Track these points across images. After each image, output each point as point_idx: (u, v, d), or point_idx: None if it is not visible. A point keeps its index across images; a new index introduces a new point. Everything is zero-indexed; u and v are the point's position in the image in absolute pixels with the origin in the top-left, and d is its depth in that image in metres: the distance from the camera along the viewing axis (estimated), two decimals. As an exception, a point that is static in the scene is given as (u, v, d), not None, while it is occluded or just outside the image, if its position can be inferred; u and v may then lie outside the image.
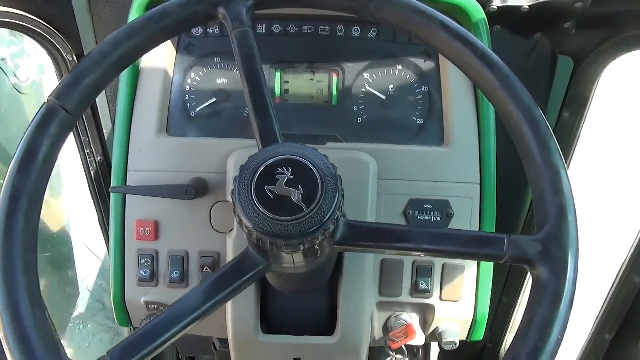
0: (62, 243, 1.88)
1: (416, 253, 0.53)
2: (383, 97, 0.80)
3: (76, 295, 2.07)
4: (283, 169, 0.49)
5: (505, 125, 0.53)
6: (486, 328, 0.80)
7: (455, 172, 0.76)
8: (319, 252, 0.52)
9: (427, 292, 0.77)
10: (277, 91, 0.81)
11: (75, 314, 2.17)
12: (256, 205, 0.48)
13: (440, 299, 0.78)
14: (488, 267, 0.77)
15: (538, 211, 0.49)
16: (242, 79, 0.57)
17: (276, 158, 0.49)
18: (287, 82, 0.81)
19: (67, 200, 1.97)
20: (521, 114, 0.51)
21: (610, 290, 1.08)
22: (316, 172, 0.49)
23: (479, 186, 0.76)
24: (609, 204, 2.44)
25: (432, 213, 0.76)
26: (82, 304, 2.19)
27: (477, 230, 0.77)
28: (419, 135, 0.80)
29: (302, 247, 0.48)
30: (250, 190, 0.48)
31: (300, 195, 0.48)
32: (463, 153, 0.76)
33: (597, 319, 1.11)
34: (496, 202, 0.76)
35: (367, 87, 0.81)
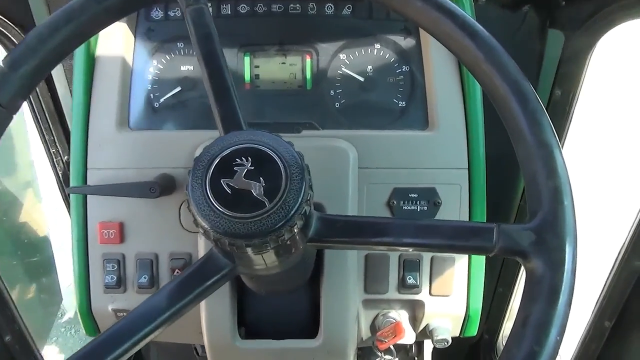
0: (43, 249, 1.83)
1: (397, 248, 0.49)
2: (361, 79, 0.75)
3: (58, 301, 2.01)
4: (242, 160, 0.44)
5: (492, 101, 0.48)
6: (482, 318, 0.76)
7: (441, 157, 0.72)
8: (292, 249, 0.47)
9: (415, 288, 0.73)
10: (247, 77, 0.75)
11: (65, 319, 2.13)
12: (211, 202, 0.42)
13: (430, 294, 0.73)
14: (480, 258, 0.73)
15: (530, 196, 0.45)
16: (199, 61, 0.52)
17: (234, 147, 0.44)
18: (257, 66, 0.75)
19: (48, 205, 1.91)
20: (508, 88, 0.46)
21: (609, 275, 1.03)
22: (279, 162, 0.43)
23: (467, 171, 0.72)
24: (604, 187, 2.40)
25: (417, 202, 0.71)
26: (70, 309, 2.14)
27: (467, 219, 0.72)
28: (401, 118, 0.75)
29: (267, 246, 0.43)
30: (205, 184, 0.43)
31: (262, 189, 0.43)
32: (449, 136, 0.72)
33: (595, 305, 1.07)
34: (487, 189, 0.72)
35: (343, 69, 0.75)
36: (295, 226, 0.43)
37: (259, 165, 0.43)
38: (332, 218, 0.48)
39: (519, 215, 1.05)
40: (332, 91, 0.75)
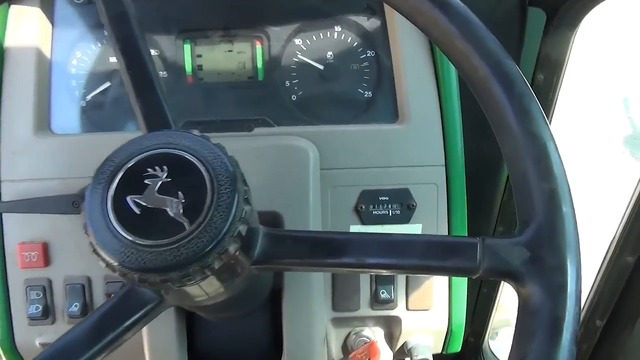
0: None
1: (361, 270, 0.41)
2: (320, 67, 0.66)
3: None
4: (155, 170, 0.34)
5: (470, 86, 0.40)
6: (467, 321, 0.68)
7: (414, 154, 0.63)
8: (234, 274, 0.38)
9: (390, 302, 0.64)
10: (188, 68, 0.65)
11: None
12: (113, 226, 0.33)
13: (407, 308, 0.65)
14: None
15: (520, 202, 0.36)
16: (113, 48, 0.43)
17: (144, 154, 0.35)
18: (200, 55, 0.65)
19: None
20: (488, 70, 0.37)
21: (598, 273, 0.97)
22: (203, 170, 0.34)
23: (444, 169, 0.63)
24: (590, 178, 2.37)
25: (389, 206, 0.63)
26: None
27: (446, 222, 0.64)
28: (367, 111, 0.66)
29: (192, 279, 0.34)
30: (106, 203, 0.34)
31: (181, 206, 0.33)
32: (422, 129, 0.63)
33: (585, 304, 1.01)
34: (467, 189, 0.64)
35: (299, 56, 0.66)
36: (227, 252, 0.34)
37: (178, 175, 0.34)
38: (281, 234, 0.40)
39: (503, 219, 0.98)
40: (287, 82, 0.66)
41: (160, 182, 0.34)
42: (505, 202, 0.96)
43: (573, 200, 0.36)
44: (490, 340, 1.25)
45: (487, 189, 0.96)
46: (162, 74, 0.65)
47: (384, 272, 0.52)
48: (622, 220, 0.91)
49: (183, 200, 0.33)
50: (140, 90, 0.43)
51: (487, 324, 1.21)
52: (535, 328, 0.32)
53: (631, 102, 3.09)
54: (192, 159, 0.34)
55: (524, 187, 0.36)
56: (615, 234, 0.93)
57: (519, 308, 0.34)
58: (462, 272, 0.37)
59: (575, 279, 0.33)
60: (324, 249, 0.38)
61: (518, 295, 0.35)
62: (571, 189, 0.36)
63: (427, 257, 0.37)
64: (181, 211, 0.33)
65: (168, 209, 0.33)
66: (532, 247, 0.34)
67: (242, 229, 0.34)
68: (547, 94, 0.84)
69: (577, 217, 0.36)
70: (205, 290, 0.38)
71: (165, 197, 0.33)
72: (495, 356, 1.25)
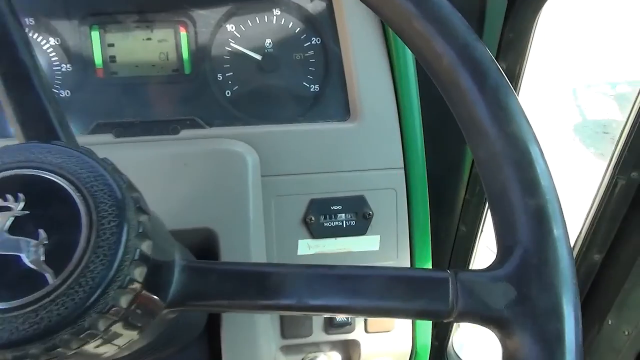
0: None
1: (303, 313, 0.33)
2: (258, 57, 0.57)
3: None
4: (6, 198, 0.24)
5: (432, 77, 0.32)
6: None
7: (369, 156, 0.56)
8: (140, 324, 0.29)
9: (346, 325, 0.57)
10: (98, 60, 0.55)
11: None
12: None
13: (366, 331, 0.58)
14: None
15: (499, 223, 0.30)
16: None
17: None
18: (112, 44, 0.55)
19: None
20: (455, 56, 0.30)
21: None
22: (77, 197, 0.25)
23: (403, 172, 0.56)
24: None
25: (343, 216, 0.56)
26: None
27: (407, 232, 0.57)
28: (314, 108, 0.58)
29: (63, 350, 0.24)
30: None
31: (42, 250, 0.24)
32: (377, 128, 0.56)
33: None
34: (430, 196, 0.57)
35: (233, 45, 0.57)
36: (114, 308, 0.25)
37: (39, 206, 0.25)
38: (204, 268, 0.32)
39: (465, 219, 0.91)
40: (219, 75, 0.57)
41: (12, 217, 0.24)
42: (467, 200, 0.91)
43: (565, 219, 0.29)
44: (455, 345, 1.20)
45: (448, 187, 0.90)
46: (66, 67, 0.54)
47: (333, 315, 0.44)
48: (586, 218, 0.88)
49: (46, 242, 0.24)
50: (13, 88, 0.32)
51: (451, 328, 1.16)
52: None
53: (579, 92, 3.17)
54: (60, 182, 0.25)
55: (503, 203, 0.29)
56: (580, 232, 0.89)
57: None
58: (431, 316, 0.30)
59: (574, 324, 0.26)
60: (258, 286, 0.31)
61: (502, 346, 0.28)
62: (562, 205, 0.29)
63: (387, 297, 0.30)
64: (42, 257, 0.24)
65: (23, 255, 0.24)
66: (517, 283, 0.28)
67: (139, 272, 0.26)
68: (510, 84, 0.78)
69: (570, 241, 0.29)
70: (100, 351, 0.29)
71: (20, 237, 0.24)
72: (460, 358, 1.21)
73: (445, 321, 0.29)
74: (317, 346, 0.59)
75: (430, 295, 0.29)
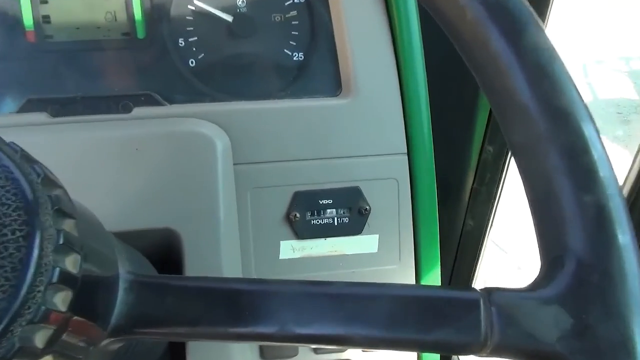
0: None
1: (286, 343, 0.26)
2: (228, 18, 0.47)
3: None
4: None
5: (451, 38, 0.26)
6: None
7: (365, 139, 0.47)
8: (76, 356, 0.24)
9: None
10: (28, 21, 0.45)
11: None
12: None
13: (363, 350, 0.49)
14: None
15: (545, 227, 0.25)
16: None
17: None
18: (45, 1, 0.45)
19: None
20: (482, 5, 0.24)
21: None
22: None
23: (406, 158, 0.48)
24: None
25: (334, 212, 0.47)
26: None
27: (411, 231, 0.49)
28: (298, 80, 0.49)
29: None
30: None
31: None
32: (375, 105, 0.47)
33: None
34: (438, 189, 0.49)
35: (197, 3, 0.47)
36: (25, 350, 0.20)
37: None
38: (158, 284, 0.26)
39: (473, 212, 0.83)
40: (181, 41, 0.47)
41: None
42: (476, 191, 0.83)
43: (631, 222, 0.23)
44: None
45: (453, 175, 0.82)
46: (-13, 30, 0.45)
47: (326, 347, 0.38)
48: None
49: None
50: None
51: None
52: None
53: (590, 68, 3.07)
54: None
55: (549, 202, 0.24)
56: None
57: None
58: (457, 350, 0.24)
59: None
60: (229, 309, 0.25)
61: None
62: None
63: (396, 325, 0.24)
64: None
65: None
66: (572, 307, 0.23)
67: (60, 298, 0.21)
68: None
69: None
70: None
71: None
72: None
73: (477, 356, 0.24)
74: (305, 365, 0.52)
75: (456, 323, 0.24)
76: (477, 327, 0.23)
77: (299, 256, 0.48)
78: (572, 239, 0.23)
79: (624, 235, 0.23)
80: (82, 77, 0.46)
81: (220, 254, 0.43)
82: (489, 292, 0.24)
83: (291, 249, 0.48)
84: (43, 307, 0.20)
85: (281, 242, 0.47)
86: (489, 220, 0.82)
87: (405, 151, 0.48)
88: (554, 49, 0.24)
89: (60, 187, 0.23)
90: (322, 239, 0.48)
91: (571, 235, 0.23)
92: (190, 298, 0.26)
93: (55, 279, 0.20)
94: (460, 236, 0.86)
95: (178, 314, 0.25)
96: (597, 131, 0.24)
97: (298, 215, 0.47)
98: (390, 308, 0.24)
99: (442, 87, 0.59)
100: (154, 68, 0.47)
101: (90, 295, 0.23)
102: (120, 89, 0.46)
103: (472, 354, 0.24)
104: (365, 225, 0.48)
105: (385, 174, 0.48)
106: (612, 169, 0.24)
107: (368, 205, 0.47)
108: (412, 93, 0.47)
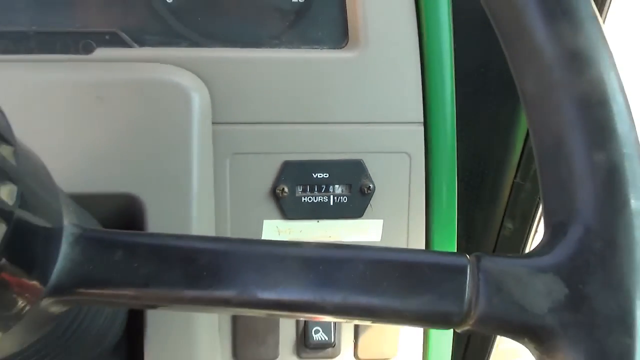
0: None
1: (246, 310, 0.28)
2: None
3: None
4: None
5: None
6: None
7: (372, 102, 0.47)
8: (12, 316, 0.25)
9: (327, 347, 0.49)
10: None
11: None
12: None
13: (356, 356, 0.50)
14: None
15: (550, 189, 0.26)
16: None
17: None
18: None
19: None
20: None
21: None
22: None
23: (422, 129, 0.48)
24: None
25: (329, 188, 0.48)
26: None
27: (423, 221, 0.49)
28: (296, 26, 0.48)
29: None
30: None
31: None
32: (387, 61, 0.46)
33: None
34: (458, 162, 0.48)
35: None
36: None
37: None
38: (106, 240, 0.27)
39: (513, 212, 0.83)
40: None
41: None
42: (518, 186, 0.82)
43: None
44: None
45: (489, 165, 0.82)
46: None
47: (292, 316, 0.38)
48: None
49: None
50: None
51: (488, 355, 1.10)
52: None
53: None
54: None
55: (557, 159, 0.25)
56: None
57: None
58: (435, 322, 0.26)
59: None
60: (182, 269, 0.26)
61: None
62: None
63: (371, 290, 0.26)
64: None
65: None
66: (569, 277, 0.24)
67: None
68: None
69: None
70: None
71: None
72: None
73: (458, 330, 0.26)
74: (286, 372, 0.52)
75: (438, 290, 0.25)
76: (461, 294, 0.25)
77: (284, 239, 0.48)
78: (579, 203, 0.24)
79: (637, 201, 0.24)
80: (36, 10, 0.45)
81: (191, 228, 0.42)
82: (479, 257, 0.25)
83: (276, 230, 0.47)
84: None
85: (264, 222, 0.47)
86: (532, 223, 0.82)
87: (422, 121, 0.47)
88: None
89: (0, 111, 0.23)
90: (314, 221, 0.47)
91: (578, 199, 0.24)
92: (143, 256, 0.27)
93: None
94: (496, 242, 0.86)
95: (128, 274, 0.26)
96: (620, 80, 0.25)
97: (286, 189, 0.46)
98: (365, 271, 0.25)
99: (478, 59, 0.59)
100: (122, 2, 0.47)
101: (27, 240, 0.24)
102: (82, 24, 0.46)
103: (454, 327, 0.25)
104: (368, 208, 0.47)
105: (395, 146, 0.47)
106: (634, 125, 0.24)
107: (372, 183, 0.46)
108: (434, 51, 0.46)
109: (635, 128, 0.26)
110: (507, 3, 0.27)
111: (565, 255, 0.25)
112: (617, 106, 0.25)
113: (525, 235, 0.84)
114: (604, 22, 0.71)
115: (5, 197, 0.21)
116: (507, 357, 1.16)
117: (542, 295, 0.25)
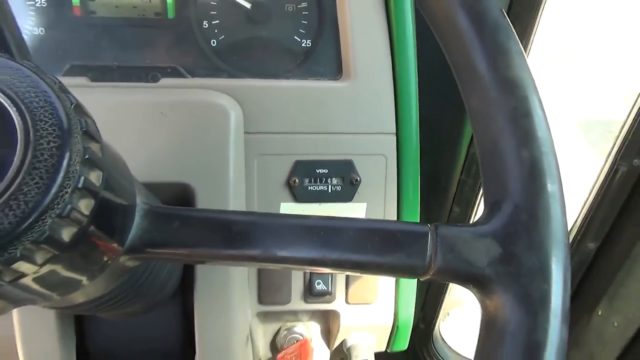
0: None
1: (267, 264, 0.31)
2: (247, 5, 0.54)
3: None
4: None
5: (430, 22, 0.31)
6: (417, 306, 0.59)
7: (360, 118, 0.53)
8: (93, 268, 0.28)
9: (326, 295, 0.55)
10: None
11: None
12: None
13: (347, 302, 0.56)
14: None
15: (488, 176, 0.29)
16: None
17: None
18: None
19: None
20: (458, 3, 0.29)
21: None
22: (14, 112, 0.23)
23: (394, 137, 0.54)
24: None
25: (328, 180, 0.54)
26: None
27: (395, 200, 0.55)
28: (304, 63, 0.55)
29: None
30: None
31: None
32: (370, 89, 0.53)
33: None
34: (421, 163, 0.54)
35: None
36: (50, 240, 0.22)
37: None
38: (167, 213, 0.30)
39: (460, 199, 0.89)
40: (205, 22, 0.53)
41: None
42: (463, 181, 0.88)
43: (561, 175, 0.27)
44: (441, 328, 1.18)
45: (443, 165, 0.87)
46: (40, 2, 0.51)
47: (302, 269, 0.42)
48: (582, 207, 0.85)
49: None
50: None
51: (439, 308, 1.15)
52: (504, 357, 0.23)
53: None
54: None
55: (494, 155, 0.28)
56: (576, 221, 0.87)
57: (482, 325, 0.26)
58: (405, 272, 0.28)
59: (562, 286, 0.25)
60: (223, 235, 0.29)
61: (482, 307, 0.26)
62: (559, 160, 0.27)
63: (360, 250, 0.28)
64: None
65: None
66: (503, 240, 0.26)
67: (84, 204, 0.24)
68: (524, 27, 0.72)
69: (565, 199, 0.27)
70: (45, 291, 0.26)
71: None
72: (447, 343, 1.19)
73: (422, 279, 0.28)
74: (295, 315, 0.58)
75: (407, 249, 0.27)
76: (424, 252, 0.27)
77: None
78: (510, 187, 0.27)
79: (552, 185, 0.27)
80: (118, 49, 0.52)
81: (228, 208, 0.48)
82: (437, 226, 0.28)
83: (289, 210, 0.54)
84: (69, 206, 0.22)
85: (281, 204, 0.54)
86: (473, 207, 0.87)
87: (394, 131, 0.54)
88: (511, 29, 0.29)
89: (89, 117, 0.25)
90: (317, 204, 0.54)
91: (509, 184, 0.27)
92: (193, 225, 0.29)
93: (80, 185, 0.23)
94: (447, 221, 0.91)
95: (182, 238, 0.29)
96: (540, 100, 0.28)
97: (297, 181, 0.53)
98: (355, 236, 0.28)
99: (437, 90, 0.64)
100: (180, 45, 0.53)
101: (109, 213, 0.26)
102: (150, 61, 0.52)
103: (418, 276, 0.28)
104: (355, 194, 0.54)
105: (375, 150, 0.54)
106: (550, 131, 0.28)
107: (359, 176, 0.53)
108: (403, 81, 0.53)
109: (551, 134, 0.28)
110: (459, 42, 0.29)
111: (500, 224, 0.27)
112: (537, 118, 0.27)
113: (468, 217, 0.89)
114: (527, 56, 0.77)
115: (94, 180, 0.24)
116: (455, 304, 1.23)
117: (482, 253, 0.26)
